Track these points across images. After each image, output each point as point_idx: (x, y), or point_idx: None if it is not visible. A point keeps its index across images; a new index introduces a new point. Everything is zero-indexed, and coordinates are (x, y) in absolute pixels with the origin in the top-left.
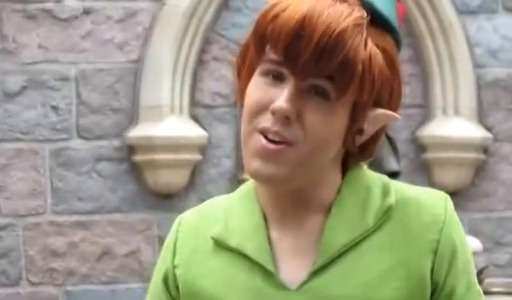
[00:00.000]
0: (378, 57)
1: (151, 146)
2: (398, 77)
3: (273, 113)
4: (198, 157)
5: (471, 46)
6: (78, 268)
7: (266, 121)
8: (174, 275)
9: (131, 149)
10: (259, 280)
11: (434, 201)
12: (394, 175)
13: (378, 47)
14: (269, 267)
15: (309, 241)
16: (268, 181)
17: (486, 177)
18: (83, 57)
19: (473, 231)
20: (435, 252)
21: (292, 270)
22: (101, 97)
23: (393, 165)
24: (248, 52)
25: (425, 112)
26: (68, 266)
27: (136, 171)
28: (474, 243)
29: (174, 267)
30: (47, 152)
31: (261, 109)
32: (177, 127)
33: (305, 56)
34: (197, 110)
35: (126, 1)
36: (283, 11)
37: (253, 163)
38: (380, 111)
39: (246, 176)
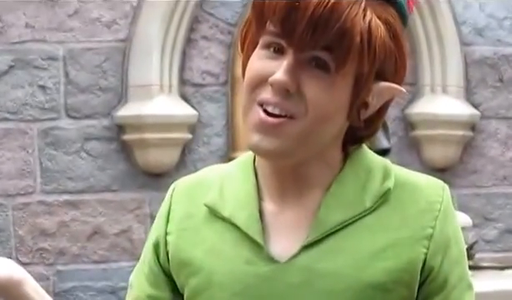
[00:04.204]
0: (380, 28)
1: (140, 125)
2: (402, 50)
3: (272, 85)
4: (187, 135)
5: (458, 24)
6: (69, 248)
7: (266, 93)
8: (165, 242)
9: (120, 128)
10: (248, 252)
11: (431, 189)
12: (384, 152)
13: (380, 18)
14: (258, 239)
15: (305, 217)
16: (269, 155)
17: (474, 154)
18: (71, 36)
19: (462, 207)
20: (430, 239)
21: (283, 244)
22: (89, 76)
23: (383, 142)
24: (250, 26)
25: (414, 91)
26: (59, 245)
27: (126, 150)
28: (463, 219)
29: (166, 233)
30: (35, 131)
31: (261, 81)
32: (166, 105)
33: (301, 27)
34: (186, 89)
35: None
36: None
37: (253, 137)
38: (385, 84)
39: (236, 154)
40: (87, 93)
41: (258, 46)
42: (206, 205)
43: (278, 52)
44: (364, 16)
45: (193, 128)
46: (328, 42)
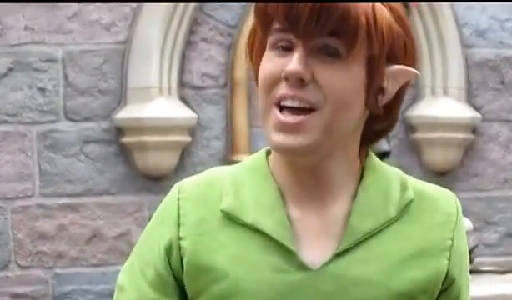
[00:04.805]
0: (384, 11)
1: (140, 127)
2: (409, 34)
3: (287, 79)
4: (187, 138)
5: (459, 26)
6: (68, 251)
7: (281, 89)
8: (179, 246)
9: (119, 131)
10: (277, 258)
11: (447, 200)
12: (384, 155)
13: (383, 3)
14: (290, 245)
15: (333, 223)
16: (295, 152)
17: (475, 157)
18: (70, 38)
19: (462, 210)
20: (450, 251)
21: (313, 250)
22: (88, 78)
23: (383, 145)
24: (256, 34)
25: (414, 93)
26: (57, 249)
27: (125, 153)
28: (464, 223)
29: (180, 238)
30: (34, 134)
31: (275, 81)
32: (165, 108)
33: (305, 15)
34: (185, 91)
35: None
36: None
37: (275, 137)
38: (398, 67)
39: (236, 157)
40: (87, 96)
41: (267, 48)
42: (223, 210)
43: (287, 49)
44: None
45: (192, 131)
46: (335, 27)
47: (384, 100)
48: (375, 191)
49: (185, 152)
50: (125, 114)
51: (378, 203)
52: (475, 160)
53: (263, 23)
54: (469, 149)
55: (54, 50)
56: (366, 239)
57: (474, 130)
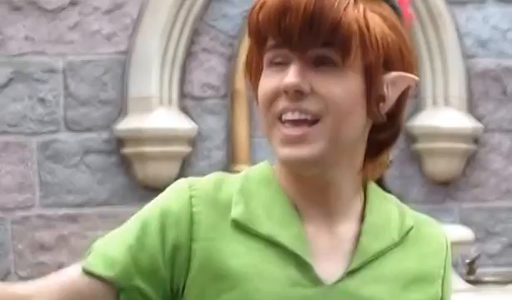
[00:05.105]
0: (376, 18)
1: (140, 138)
2: (404, 41)
3: (286, 92)
4: (187, 149)
5: (461, 36)
6: (68, 262)
7: (282, 103)
8: (190, 248)
9: (120, 141)
10: (295, 272)
11: (437, 231)
12: None
13: (373, 12)
14: (308, 259)
15: (343, 241)
16: (301, 164)
17: (477, 168)
18: (71, 48)
19: (464, 221)
20: (443, 279)
21: (326, 267)
22: (89, 88)
23: None
24: (253, 54)
25: (416, 103)
26: (58, 260)
27: (125, 163)
28: (466, 233)
29: (192, 239)
30: (34, 144)
31: (274, 96)
32: (166, 118)
33: (297, 27)
34: (186, 101)
35: None
36: None
37: (282, 151)
38: (396, 73)
39: (237, 167)
40: (87, 106)
41: (264, 66)
42: (234, 219)
43: (284, 64)
44: (356, 6)
45: (192, 141)
46: (328, 37)
47: (385, 107)
48: (380, 214)
49: (185, 162)
50: (125, 125)
51: (383, 226)
52: (477, 170)
53: (258, 42)
54: (470, 159)
55: (55, 60)
56: (374, 260)
57: (476, 140)
